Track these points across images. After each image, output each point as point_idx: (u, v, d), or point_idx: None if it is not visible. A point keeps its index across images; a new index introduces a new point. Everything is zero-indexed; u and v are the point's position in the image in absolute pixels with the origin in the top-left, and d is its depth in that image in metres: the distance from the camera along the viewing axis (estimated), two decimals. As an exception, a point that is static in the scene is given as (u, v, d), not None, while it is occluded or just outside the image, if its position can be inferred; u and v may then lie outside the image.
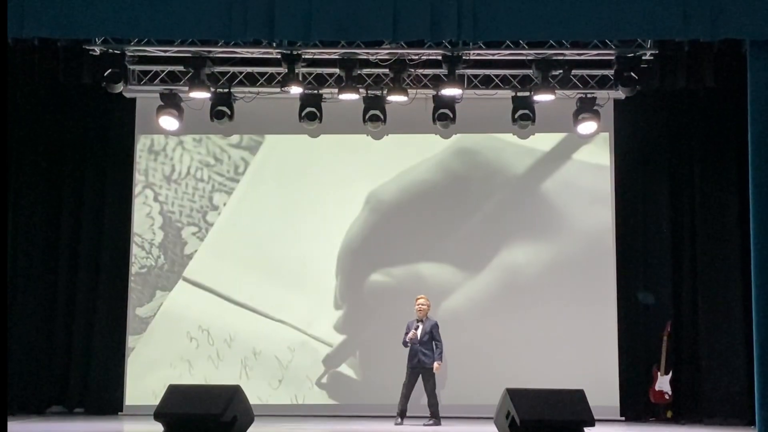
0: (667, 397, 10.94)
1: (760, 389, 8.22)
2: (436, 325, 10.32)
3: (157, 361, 11.48)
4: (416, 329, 10.23)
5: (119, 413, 11.35)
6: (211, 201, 11.80)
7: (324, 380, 11.44)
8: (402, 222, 11.64)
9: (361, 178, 11.72)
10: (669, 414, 11.03)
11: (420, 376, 10.24)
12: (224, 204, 11.78)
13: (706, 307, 11.19)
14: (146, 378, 11.42)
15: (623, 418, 11.10)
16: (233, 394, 8.66)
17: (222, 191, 11.80)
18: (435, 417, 10.20)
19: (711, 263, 11.25)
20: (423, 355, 10.20)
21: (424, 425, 10.12)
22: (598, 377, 11.03)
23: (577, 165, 11.60)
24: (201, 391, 9.13)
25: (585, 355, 11.18)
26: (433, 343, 10.23)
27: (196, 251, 11.72)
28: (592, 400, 8.62)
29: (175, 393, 8.80)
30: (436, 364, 10.20)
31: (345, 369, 11.47)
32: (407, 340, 10.22)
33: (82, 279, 11.71)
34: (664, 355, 10.97)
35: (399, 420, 10.20)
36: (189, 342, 11.50)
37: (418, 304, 10.34)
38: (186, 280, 11.68)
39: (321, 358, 11.48)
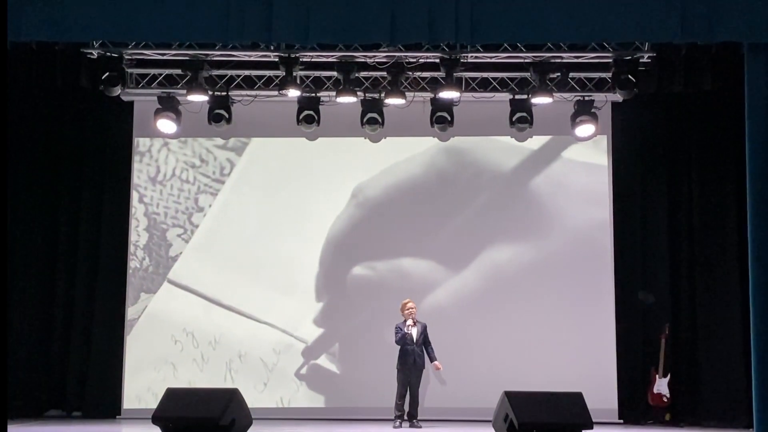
0: (665, 399, 10.94)
1: (757, 391, 8.23)
2: (426, 327, 10.41)
3: (141, 363, 11.44)
4: (409, 329, 10.25)
5: (117, 417, 11.33)
6: (196, 203, 11.76)
7: (303, 371, 11.40)
8: (391, 217, 11.60)
9: (349, 179, 11.68)
10: (667, 416, 11.02)
11: (410, 377, 10.28)
12: (210, 206, 11.74)
13: (704, 309, 11.20)
14: (130, 381, 11.40)
15: (621, 421, 11.08)
16: (231, 397, 8.67)
17: (207, 193, 11.76)
18: (416, 418, 10.28)
19: (709, 266, 11.26)
20: (418, 356, 10.27)
21: (411, 426, 10.24)
22: (596, 380, 11.03)
23: (574, 167, 11.58)
24: (199, 394, 9.14)
25: (583, 358, 11.17)
26: (425, 344, 10.31)
27: (181, 253, 11.68)
28: (591, 403, 8.63)
29: (173, 396, 8.80)
30: (437, 363, 10.32)
31: (325, 362, 11.41)
32: (406, 336, 10.23)
33: (80, 283, 11.70)
34: (663, 358, 10.97)
35: (398, 423, 10.21)
36: (173, 345, 11.45)
37: (409, 308, 10.35)
38: (171, 282, 11.64)
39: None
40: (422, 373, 10.37)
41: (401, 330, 10.29)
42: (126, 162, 11.80)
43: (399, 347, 10.31)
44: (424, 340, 10.33)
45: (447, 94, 10.81)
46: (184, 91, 11.00)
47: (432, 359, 10.35)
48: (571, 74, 10.93)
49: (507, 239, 11.49)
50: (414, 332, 10.28)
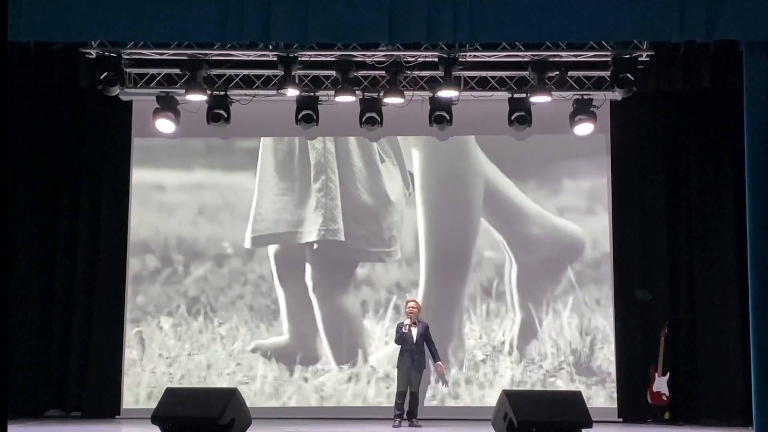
0: (664, 398, 10.94)
1: (757, 390, 8.23)
2: (428, 327, 10.38)
3: (140, 363, 11.46)
4: (408, 329, 10.23)
5: (116, 416, 11.33)
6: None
7: (303, 371, 11.40)
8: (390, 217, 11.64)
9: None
10: (666, 415, 11.02)
11: (410, 377, 10.27)
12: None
13: (703, 307, 11.20)
14: (129, 381, 11.41)
15: (621, 420, 11.09)
16: (230, 396, 8.67)
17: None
18: (415, 417, 10.26)
19: (708, 264, 11.26)
20: (418, 356, 10.25)
21: (411, 425, 10.22)
22: (596, 379, 11.04)
23: (573, 166, 11.59)
24: (198, 394, 9.15)
25: (582, 357, 11.18)
26: (427, 344, 10.30)
27: (181, 253, 11.78)
28: (590, 402, 8.65)
29: (172, 396, 8.81)
30: (440, 364, 10.33)
31: (324, 361, 11.43)
32: (405, 336, 10.22)
33: (79, 283, 11.69)
34: (662, 356, 10.96)
35: (397, 422, 10.21)
36: (173, 344, 11.47)
37: (410, 307, 10.36)
38: None
39: (306, 359, 11.46)
40: (422, 373, 10.35)
41: (401, 330, 10.29)
42: (125, 162, 11.80)
43: (399, 346, 10.32)
44: (426, 340, 10.31)
45: (446, 93, 10.80)
46: (183, 91, 10.99)
47: (435, 359, 10.34)
48: (570, 73, 10.92)
49: (512, 241, 11.50)
50: (414, 332, 10.27)
